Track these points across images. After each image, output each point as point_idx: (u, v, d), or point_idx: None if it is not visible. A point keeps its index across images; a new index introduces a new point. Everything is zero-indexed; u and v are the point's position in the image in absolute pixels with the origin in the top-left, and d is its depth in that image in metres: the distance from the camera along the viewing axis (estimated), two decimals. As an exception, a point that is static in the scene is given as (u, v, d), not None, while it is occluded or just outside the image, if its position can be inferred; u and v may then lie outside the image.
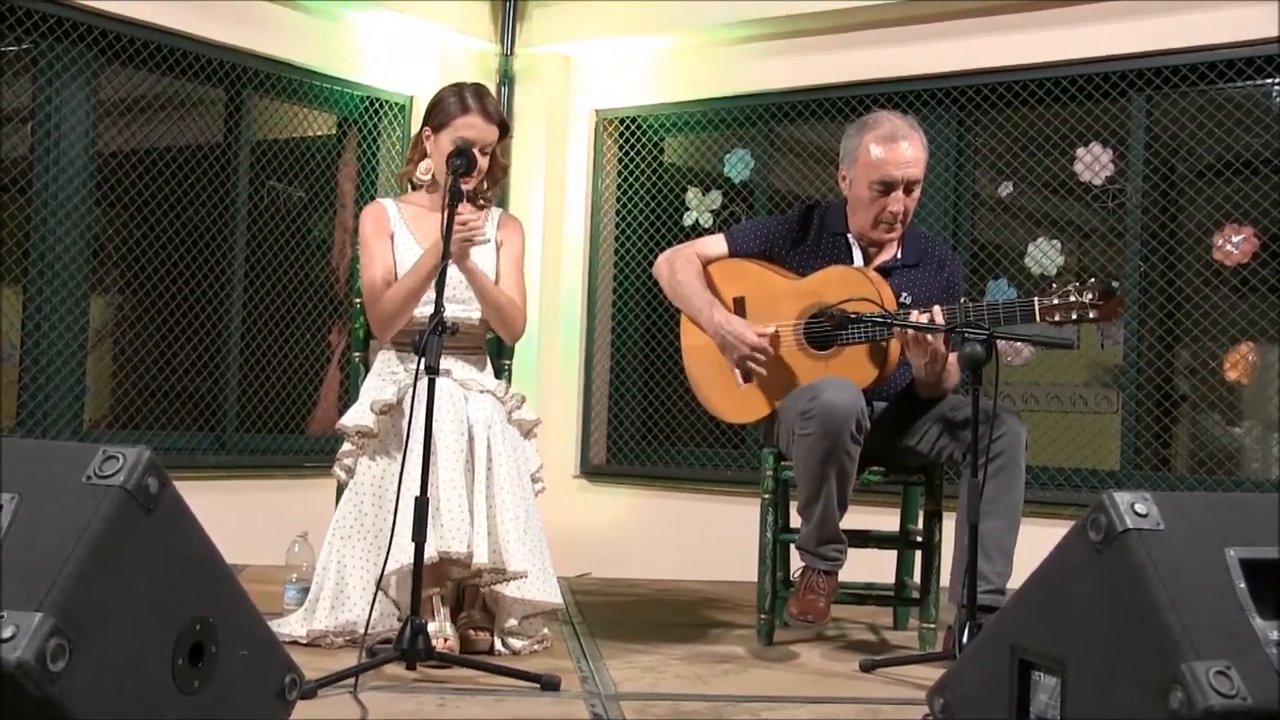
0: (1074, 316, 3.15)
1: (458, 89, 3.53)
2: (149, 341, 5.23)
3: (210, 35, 5.24)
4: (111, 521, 1.79)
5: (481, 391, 3.36)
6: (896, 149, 3.48)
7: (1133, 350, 5.02)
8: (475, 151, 3.38)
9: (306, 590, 3.41)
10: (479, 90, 3.52)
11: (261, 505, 5.24)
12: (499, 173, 3.62)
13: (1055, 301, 3.16)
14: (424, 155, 3.55)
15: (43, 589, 1.71)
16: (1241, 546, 2.01)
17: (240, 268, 5.46)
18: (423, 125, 3.55)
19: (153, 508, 1.85)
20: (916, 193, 3.54)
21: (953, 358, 3.43)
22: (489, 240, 3.48)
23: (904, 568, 3.89)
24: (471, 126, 3.46)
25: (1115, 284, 3.14)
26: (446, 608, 3.25)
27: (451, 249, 3.16)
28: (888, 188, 3.49)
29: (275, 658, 2.10)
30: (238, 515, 4.93)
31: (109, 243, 5.17)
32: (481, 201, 3.60)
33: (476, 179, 3.49)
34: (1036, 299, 3.19)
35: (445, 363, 3.27)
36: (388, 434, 3.34)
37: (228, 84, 5.45)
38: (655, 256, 3.79)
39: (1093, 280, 3.15)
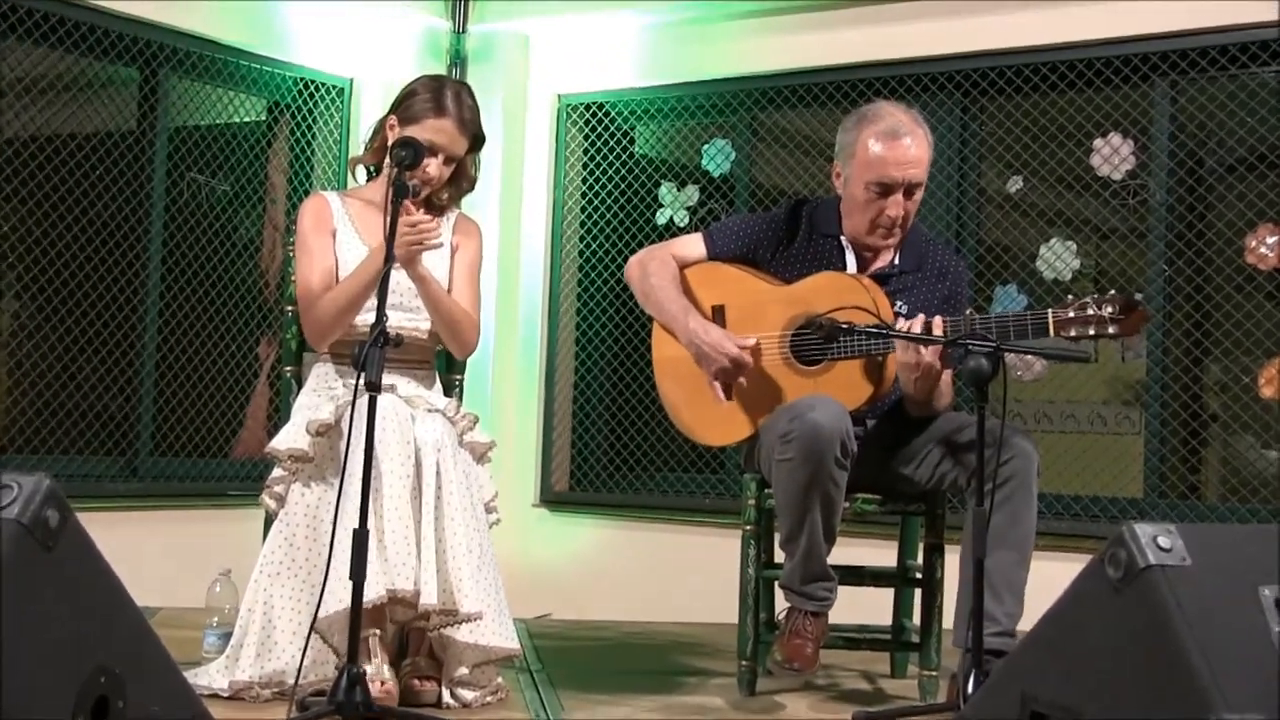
0: (1091, 332, 3.17)
1: (437, 85, 3.54)
2: (50, 353, 5.19)
3: (123, 8, 5.22)
4: (4, 559, 1.77)
5: (430, 410, 3.35)
6: (898, 146, 3.49)
7: (1157, 364, 5.05)
8: (429, 152, 3.39)
9: (229, 636, 3.39)
10: (459, 92, 3.53)
11: (178, 539, 5.20)
12: (465, 185, 3.63)
13: (1071, 315, 3.19)
14: (385, 145, 3.55)
15: (-74, 636, 1.69)
16: (1278, 585, 2.02)
17: (156, 270, 5.43)
18: (389, 113, 3.56)
19: (52, 544, 1.84)
20: (918, 196, 3.55)
21: (947, 375, 3.44)
22: (443, 244, 3.49)
23: (902, 608, 3.89)
24: (441, 132, 3.47)
25: (1138, 296, 3.17)
26: (385, 650, 3.24)
27: (398, 252, 3.16)
28: (886, 190, 3.50)
29: (191, 713, 2.09)
30: (151, 551, 4.89)
31: (4, 241, 5.14)
32: (438, 204, 3.60)
33: (436, 188, 3.50)
34: (1050, 312, 3.21)
35: (389, 378, 3.26)
36: (324, 458, 3.33)
37: (142, 63, 5.43)
38: (624, 259, 3.80)
39: (1113, 292, 3.18)
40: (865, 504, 3.53)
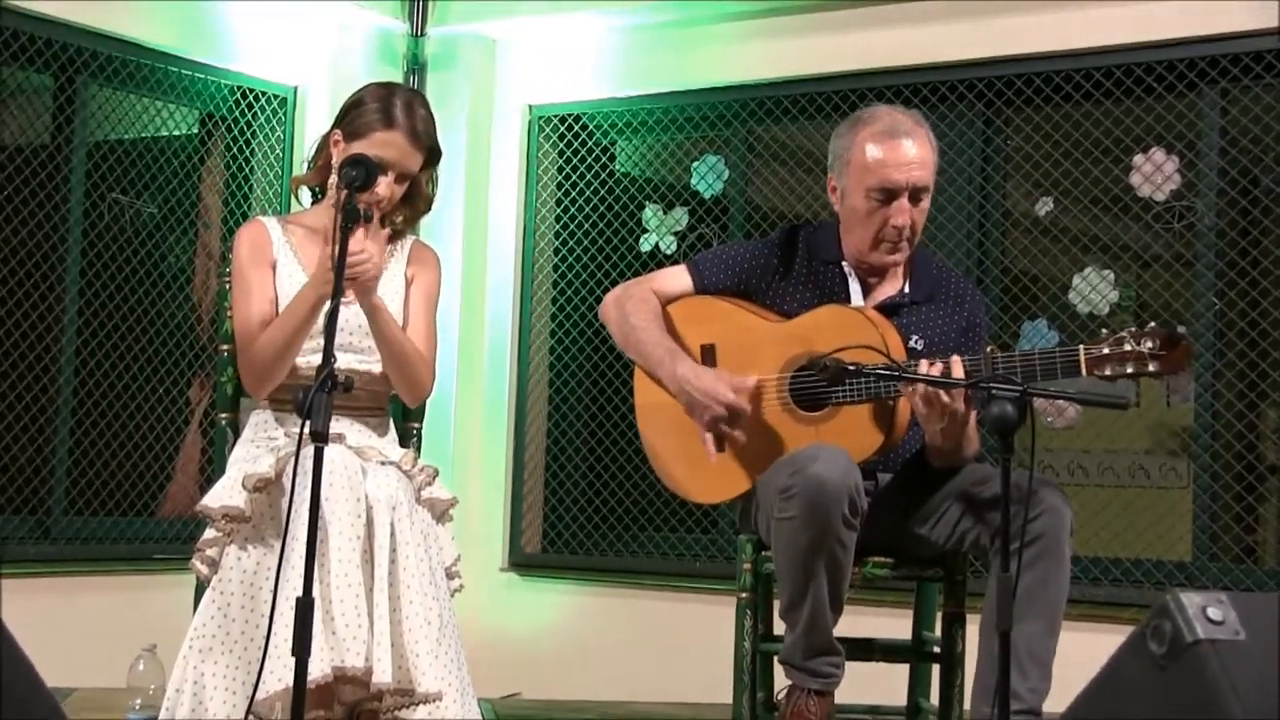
0: (1129, 370, 3.19)
1: (386, 94, 3.55)
2: (-47, 398, 5.19)
3: (34, 7, 5.22)
4: (-99, 633, 1.77)
5: (383, 463, 3.35)
6: (898, 147, 3.52)
7: (1207, 409, 5.06)
8: (380, 170, 3.40)
9: (154, 719, 3.38)
10: (411, 102, 3.55)
11: (97, 610, 5.18)
12: (421, 205, 3.65)
13: (1105, 351, 3.20)
14: (329, 164, 3.57)
15: None
16: (1341, 660, 2.02)
17: (73, 303, 5.42)
18: (333, 127, 3.57)
19: (-46, 615, 1.84)
20: (925, 203, 3.58)
21: (972, 418, 3.46)
22: (392, 275, 3.49)
23: (918, 686, 3.89)
24: (391, 145, 3.48)
25: (1181, 329, 3.18)
26: (334, 740, 3.24)
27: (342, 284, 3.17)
28: (889, 195, 3.52)
29: (112, 808, 2.08)
30: (65, 623, 4.87)
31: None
32: (390, 230, 3.61)
33: (387, 209, 3.51)
34: (1082, 348, 3.23)
35: (337, 426, 3.26)
36: (263, 517, 3.32)
37: (57, 69, 5.44)
38: (603, 290, 3.82)
39: (1152, 325, 3.19)
40: (876, 568, 3.54)
